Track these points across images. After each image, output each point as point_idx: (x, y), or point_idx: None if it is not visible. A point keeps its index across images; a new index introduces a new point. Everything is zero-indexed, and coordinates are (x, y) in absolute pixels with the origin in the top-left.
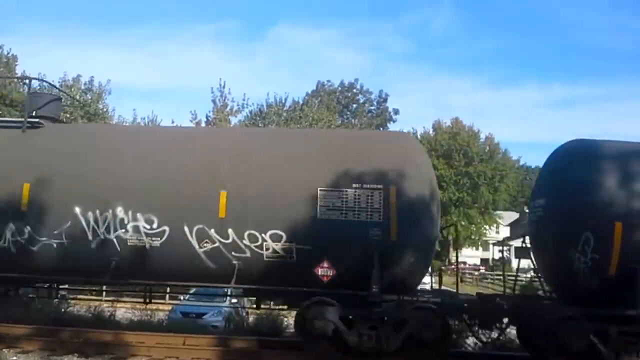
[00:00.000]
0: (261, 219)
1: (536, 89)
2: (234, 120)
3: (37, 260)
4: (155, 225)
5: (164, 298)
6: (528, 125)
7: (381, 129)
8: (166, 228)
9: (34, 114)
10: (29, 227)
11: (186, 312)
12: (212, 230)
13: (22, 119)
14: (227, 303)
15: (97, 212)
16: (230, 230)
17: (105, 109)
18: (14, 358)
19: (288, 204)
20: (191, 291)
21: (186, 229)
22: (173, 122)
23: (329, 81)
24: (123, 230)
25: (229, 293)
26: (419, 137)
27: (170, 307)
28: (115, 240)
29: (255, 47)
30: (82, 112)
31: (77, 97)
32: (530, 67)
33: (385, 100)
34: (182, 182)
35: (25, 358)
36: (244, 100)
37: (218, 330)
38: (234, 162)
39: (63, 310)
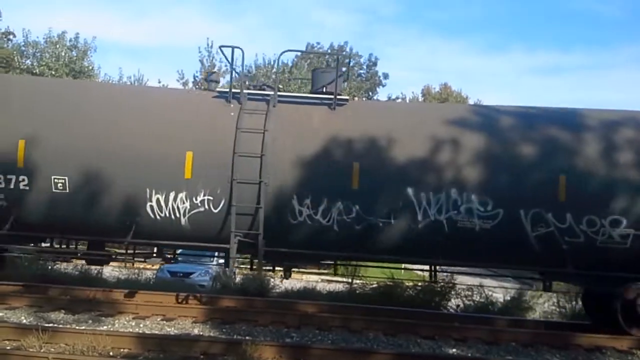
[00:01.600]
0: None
1: (523, 56)
2: (222, 81)
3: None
4: (489, 208)
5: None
6: (515, 92)
7: (370, 93)
8: (500, 211)
9: (324, 89)
10: (357, 207)
11: (174, 272)
12: (550, 215)
13: (329, 96)
14: (214, 262)
15: (430, 193)
16: (568, 215)
17: (90, 67)
18: (1, 314)
19: None
20: (178, 251)
21: (522, 212)
22: (160, 82)
23: (318, 43)
24: (455, 212)
25: (215, 254)
26: (407, 102)
27: (157, 267)
28: (444, 221)
29: (244, 6)
30: (67, 70)
31: (62, 54)
32: (518, 33)
33: (375, 64)
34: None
35: (12, 314)
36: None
37: (205, 290)
38: None
39: (50, 267)
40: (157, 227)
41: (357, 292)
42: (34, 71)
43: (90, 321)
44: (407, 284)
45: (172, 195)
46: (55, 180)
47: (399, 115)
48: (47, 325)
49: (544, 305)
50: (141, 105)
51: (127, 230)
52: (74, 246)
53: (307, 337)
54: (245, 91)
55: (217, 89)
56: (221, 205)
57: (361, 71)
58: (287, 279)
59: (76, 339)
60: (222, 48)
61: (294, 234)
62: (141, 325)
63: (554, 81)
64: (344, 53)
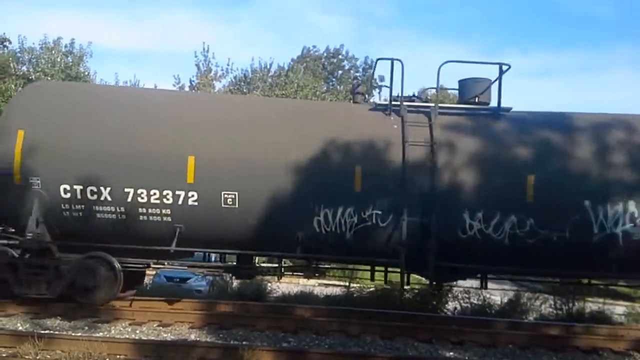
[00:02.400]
0: None
1: (517, 59)
2: (218, 86)
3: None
4: None
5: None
6: (510, 94)
7: (366, 96)
8: None
9: (476, 99)
10: (532, 220)
11: (170, 277)
12: None
13: (490, 106)
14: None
15: (607, 205)
16: None
17: (86, 72)
18: None
19: None
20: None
21: None
22: (156, 87)
23: (314, 47)
24: (632, 225)
25: (212, 259)
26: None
27: (154, 272)
28: (620, 234)
29: (239, 11)
30: (63, 75)
31: (58, 60)
32: (512, 36)
33: (370, 67)
34: None
35: (8, 321)
36: (228, 65)
37: (202, 295)
38: None
39: None
40: (321, 241)
41: (355, 295)
42: (30, 77)
43: (86, 328)
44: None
45: (340, 209)
46: (225, 195)
47: (569, 125)
48: (43, 332)
49: (541, 307)
50: (304, 120)
51: (294, 244)
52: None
53: (304, 341)
54: (405, 103)
55: (376, 102)
56: (389, 220)
57: (357, 74)
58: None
59: (72, 345)
60: (380, 60)
61: (463, 248)
62: (137, 332)
63: (547, 83)
64: (340, 56)
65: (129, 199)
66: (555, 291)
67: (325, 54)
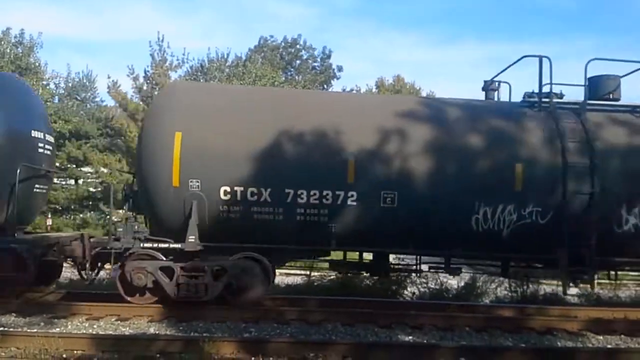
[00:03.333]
0: None
1: (476, 47)
2: (173, 75)
3: None
4: None
5: None
6: (468, 83)
7: (325, 86)
8: None
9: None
10: None
11: None
12: None
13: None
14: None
15: None
16: None
17: (37, 63)
18: None
19: None
20: None
21: None
22: (109, 78)
23: (271, 36)
24: None
25: None
26: (362, 93)
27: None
28: None
29: (199, 1)
30: (13, 67)
31: (7, 51)
32: (471, 25)
33: (329, 57)
34: None
35: None
36: (184, 54)
37: None
38: None
39: None
40: (477, 238)
41: (315, 284)
42: None
43: (42, 324)
44: (364, 274)
45: (500, 207)
46: (385, 195)
47: None
48: None
49: (497, 290)
50: (462, 120)
51: (451, 243)
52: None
53: (265, 331)
54: (554, 100)
55: (527, 99)
56: (549, 217)
57: (315, 64)
58: None
59: (28, 342)
60: (527, 57)
61: (618, 242)
62: (95, 326)
63: (508, 71)
64: (298, 46)
65: (289, 200)
66: (509, 274)
67: (282, 44)
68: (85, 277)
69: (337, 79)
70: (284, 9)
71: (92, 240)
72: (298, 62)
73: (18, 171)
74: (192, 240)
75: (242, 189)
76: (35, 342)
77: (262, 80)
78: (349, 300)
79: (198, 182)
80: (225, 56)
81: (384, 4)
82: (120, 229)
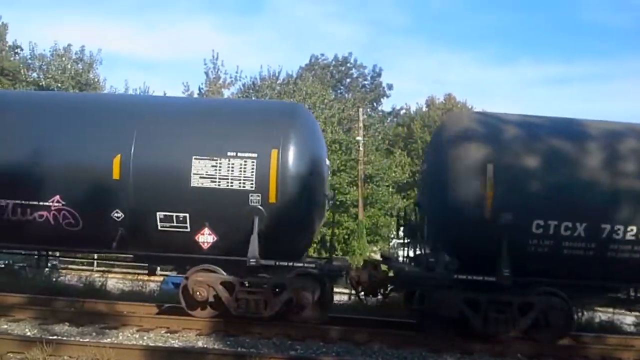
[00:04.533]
0: None
1: (530, 67)
2: (226, 93)
3: None
4: None
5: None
6: (521, 103)
7: (374, 104)
8: None
9: None
10: None
11: (177, 283)
12: None
13: None
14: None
15: None
16: None
17: (96, 79)
18: (5, 326)
19: None
20: None
21: None
22: (165, 94)
23: (322, 55)
24: None
25: None
26: (412, 112)
27: (161, 278)
28: None
29: (252, 19)
30: (73, 82)
31: (68, 67)
32: (525, 44)
33: (379, 75)
34: None
35: (16, 326)
36: (237, 72)
37: None
38: None
39: (54, 279)
40: None
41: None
42: (41, 84)
43: (94, 333)
44: None
45: None
46: None
47: None
48: (51, 337)
49: None
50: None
51: None
52: None
53: (311, 349)
54: None
55: None
56: None
57: (365, 82)
58: None
59: (80, 351)
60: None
61: None
62: (145, 338)
63: (561, 92)
64: (348, 64)
65: (604, 235)
66: None
67: (333, 62)
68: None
69: (387, 97)
70: (336, 28)
71: (407, 271)
72: (348, 80)
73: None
74: (507, 274)
75: (555, 222)
76: (87, 352)
77: (312, 98)
78: (396, 321)
79: (510, 214)
80: (277, 74)
81: (436, 23)
82: (432, 259)
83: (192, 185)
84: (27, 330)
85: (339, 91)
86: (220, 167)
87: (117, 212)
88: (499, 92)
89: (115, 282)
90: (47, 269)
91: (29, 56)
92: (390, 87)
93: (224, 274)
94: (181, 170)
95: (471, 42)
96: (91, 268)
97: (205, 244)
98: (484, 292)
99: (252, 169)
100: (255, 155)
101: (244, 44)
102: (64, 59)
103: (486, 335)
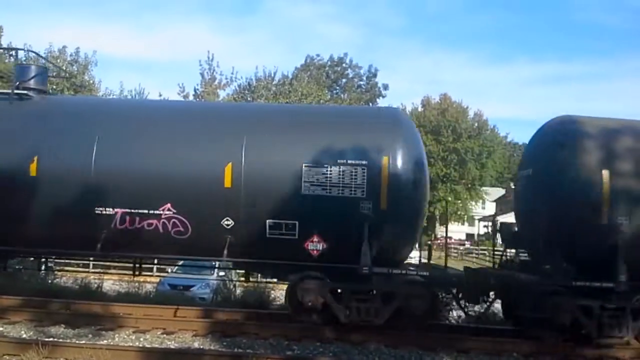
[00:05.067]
0: None
1: (527, 66)
2: (222, 94)
3: None
4: None
5: (151, 270)
6: (517, 102)
7: (370, 104)
8: None
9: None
10: None
11: (174, 285)
12: None
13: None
14: (214, 276)
15: None
16: None
17: (91, 81)
18: (1, 328)
19: None
20: (179, 263)
21: None
22: (160, 95)
23: (318, 55)
24: None
25: (216, 266)
26: (408, 112)
27: (158, 280)
28: None
29: (248, 21)
30: (68, 84)
31: (64, 69)
32: (522, 44)
33: (374, 76)
34: None
35: (12, 328)
36: (232, 73)
37: (206, 303)
38: None
39: (50, 282)
40: None
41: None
42: None
43: (90, 335)
44: None
45: None
46: None
47: None
48: (47, 339)
49: None
50: None
51: None
52: None
53: (308, 349)
54: None
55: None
56: None
57: (361, 82)
58: None
59: (76, 353)
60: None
61: None
62: (141, 339)
63: (557, 91)
64: (344, 64)
65: None
66: None
67: (329, 63)
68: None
69: (383, 97)
70: (332, 28)
71: (522, 278)
72: (344, 80)
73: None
74: (623, 279)
75: None
76: (83, 354)
77: (307, 99)
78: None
79: (626, 219)
80: (272, 75)
81: (432, 24)
82: (549, 266)
83: (302, 192)
84: (23, 332)
85: (334, 91)
86: (330, 174)
87: (227, 220)
88: (495, 91)
89: (111, 283)
90: (42, 271)
91: (24, 58)
92: (385, 87)
93: (328, 281)
94: (292, 177)
95: (467, 42)
96: (87, 270)
97: (315, 252)
98: (596, 298)
99: (363, 176)
100: (365, 162)
101: (240, 45)
102: (58, 60)
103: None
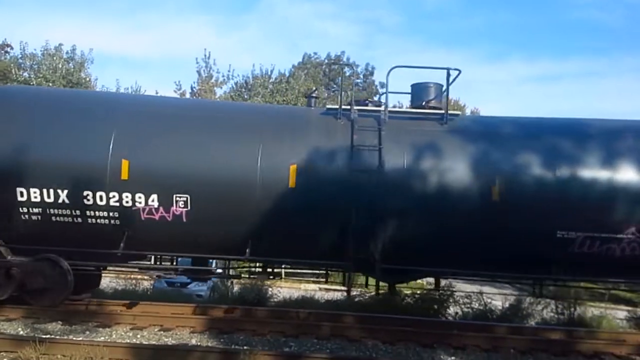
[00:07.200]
0: None
1: (523, 64)
2: (219, 92)
3: None
4: None
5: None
6: (513, 100)
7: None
8: None
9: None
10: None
11: (171, 282)
12: None
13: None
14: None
15: None
16: None
17: (87, 79)
18: None
19: None
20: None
21: None
22: (157, 93)
23: (315, 53)
24: None
25: (213, 264)
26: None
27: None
28: None
29: (245, 18)
30: (64, 82)
31: (59, 66)
32: (518, 42)
33: (371, 74)
34: None
35: (9, 325)
36: (229, 71)
37: (203, 299)
38: None
39: None
40: None
41: (356, 300)
42: (31, 83)
43: (87, 332)
44: (405, 292)
45: None
46: None
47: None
48: (43, 336)
49: (542, 312)
50: None
51: None
52: None
53: (305, 346)
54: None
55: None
56: None
57: (358, 80)
58: None
59: (73, 350)
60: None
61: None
62: (139, 336)
63: (553, 89)
64: (341, 62)
65: None
66: (556, 296)
67: (326, 61)
68: None
69: (380, 95)
70: (329, 27)
71: None
72: (340, 78)
73: None
74: None
75: None
76: (80, 350)
77: (304, 98)
78: (389, 317)
79: None
80: (269, 73)
81: (429, 22)
82: None
83: None
84: (19, 329)
85: (332, 89)
86: None
87: None
88: (491, 89)
89: (108, 280)
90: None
91: (20, 56)
92: (383, 85)
93: None
94: None
95: (463, 40)
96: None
97: None
98: None
99: None
100: None
101: (237, 43)
102: (55, 58)
103: None
